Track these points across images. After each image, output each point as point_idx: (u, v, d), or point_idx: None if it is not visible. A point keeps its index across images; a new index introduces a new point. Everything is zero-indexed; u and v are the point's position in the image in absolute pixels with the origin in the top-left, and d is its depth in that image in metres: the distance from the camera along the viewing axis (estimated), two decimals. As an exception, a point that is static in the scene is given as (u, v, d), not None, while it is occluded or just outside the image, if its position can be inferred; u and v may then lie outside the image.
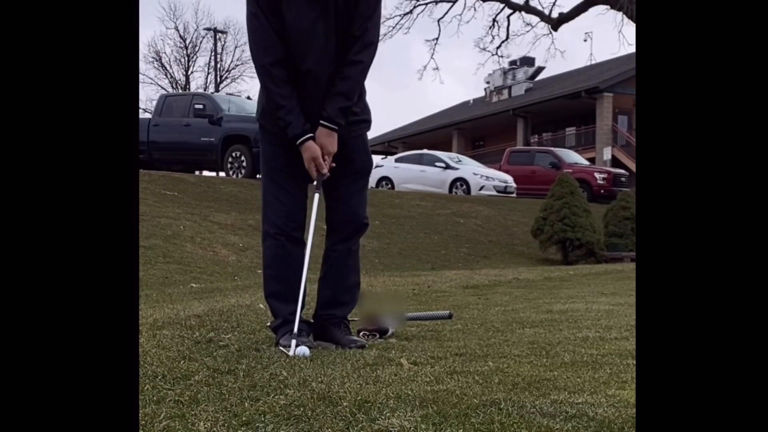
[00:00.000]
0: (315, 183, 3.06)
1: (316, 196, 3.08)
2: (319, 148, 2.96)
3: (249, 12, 2.92)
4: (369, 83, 3.15)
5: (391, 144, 40.51)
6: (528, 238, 13.74)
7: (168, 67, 43.11)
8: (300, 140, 2.95)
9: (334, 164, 3.03)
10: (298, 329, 3.01)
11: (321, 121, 2.96)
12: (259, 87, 3.09)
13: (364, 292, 3.46)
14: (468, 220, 14.84)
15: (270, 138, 3.12)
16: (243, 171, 15.17)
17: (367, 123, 3.19)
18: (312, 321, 3.21)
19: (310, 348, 2.88)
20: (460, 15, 28.58)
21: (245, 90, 43.84)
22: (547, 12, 27.07)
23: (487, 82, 40.06)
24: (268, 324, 3.57)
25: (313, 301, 3.28)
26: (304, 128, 2.95)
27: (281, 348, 2.90)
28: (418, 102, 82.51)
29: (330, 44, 2.92)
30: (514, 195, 20.40)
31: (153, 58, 42.89)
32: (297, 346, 2.83)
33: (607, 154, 28.68)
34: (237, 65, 43.14)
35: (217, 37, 41.93)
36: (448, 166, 20.73)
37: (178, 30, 45.65)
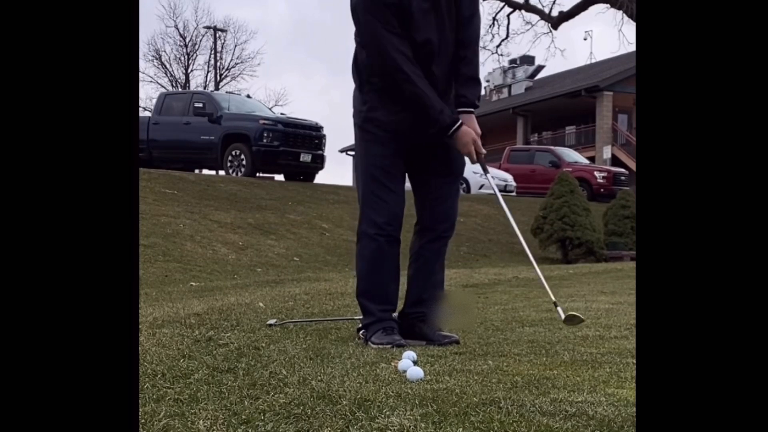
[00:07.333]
0: (481, 167, 3.19)
1: (490, 177, 3.26)
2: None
3: (370, 29, 2.92)
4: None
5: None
6: (528, 236, 13.73)
7: (168, 66, 43.03)
8: (455, 126, 3.01)
9: (484, 151, 3.13)
10: (390, 327, 3.02)
11: (464, 109, 3.06)
12: (357, 89, 3.09)
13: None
14: (468, 219, 14.82)
15: (370, 137, 3.10)
16: (243, 169, 15.17)
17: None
18: (399, 319, 3.19)
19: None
20: (460, 14, 28.56)
21: (245, 88, 43.73)
22: (547, 10, 27.09)
23: (487, 81, 40.04)
24: (269, 322, 3.58)
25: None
26: (455, 115, 3.03)
27: (385, 347, 2.88)
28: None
29: (445, 24, 2.99)
30: (513, 194, 20.38)
31: (153, 56, 42.82)
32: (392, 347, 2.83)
33: (606, 152, 28.68)
34: (237, 63, 43.13)
35: (217, 35, 41.91)
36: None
37: (177, 28, 45.52)
